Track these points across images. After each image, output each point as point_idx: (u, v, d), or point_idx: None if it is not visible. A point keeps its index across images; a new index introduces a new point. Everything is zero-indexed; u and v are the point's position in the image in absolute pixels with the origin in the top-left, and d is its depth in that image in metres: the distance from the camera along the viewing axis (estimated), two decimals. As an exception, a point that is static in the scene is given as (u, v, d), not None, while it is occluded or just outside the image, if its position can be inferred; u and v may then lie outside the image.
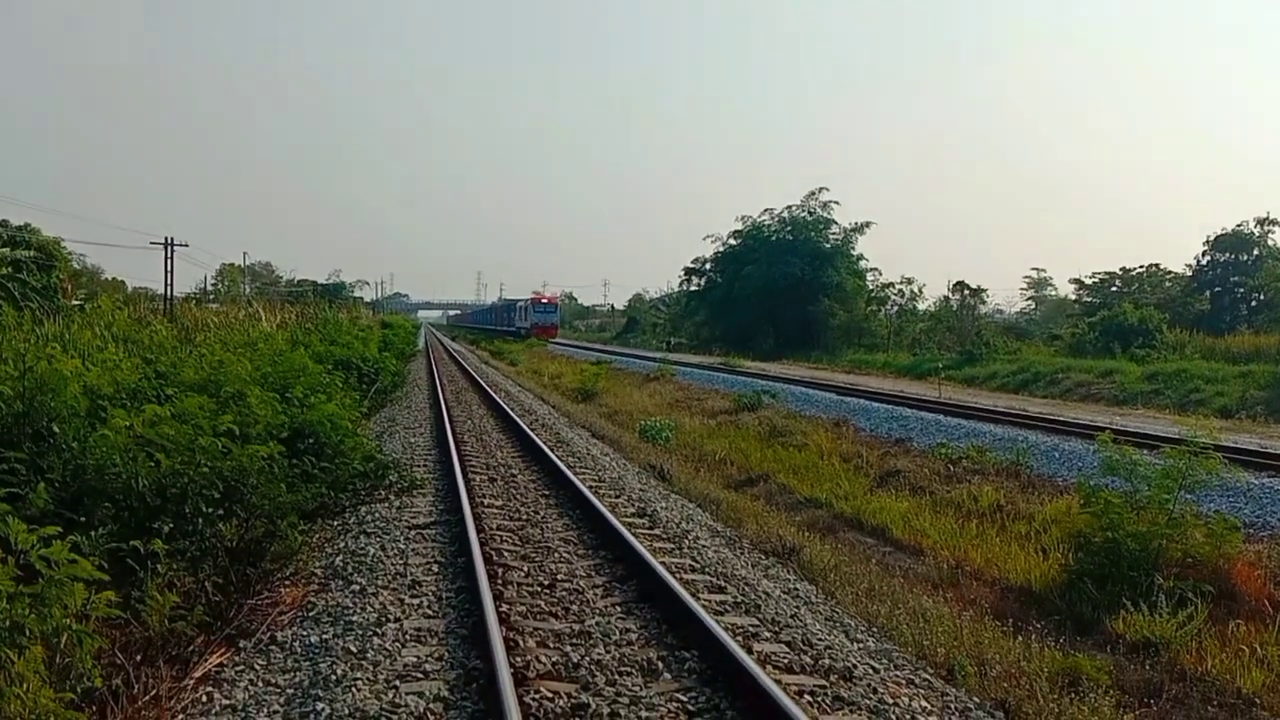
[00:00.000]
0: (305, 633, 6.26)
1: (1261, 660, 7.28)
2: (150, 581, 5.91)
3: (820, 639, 6.42)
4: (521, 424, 17.30)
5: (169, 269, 45.21)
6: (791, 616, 6.93)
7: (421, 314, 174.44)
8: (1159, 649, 7.48)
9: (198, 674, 5.62)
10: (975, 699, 5.85)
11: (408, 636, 6.13)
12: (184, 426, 7.24)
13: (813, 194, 62.17)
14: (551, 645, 6.03)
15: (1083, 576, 8.90)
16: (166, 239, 46.09)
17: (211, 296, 56.83)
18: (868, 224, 62.02)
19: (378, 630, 6.20)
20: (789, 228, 62.66)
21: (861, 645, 6.59)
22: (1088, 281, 66.47)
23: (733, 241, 66.15)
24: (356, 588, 7.18)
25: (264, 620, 6.59)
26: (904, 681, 5.89)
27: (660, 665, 5.71)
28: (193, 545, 6.63)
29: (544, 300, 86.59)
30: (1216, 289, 55.85)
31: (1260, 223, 55.09)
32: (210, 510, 6.76)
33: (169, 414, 7.40)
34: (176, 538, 6.44)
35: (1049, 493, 13.17)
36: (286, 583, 7.48)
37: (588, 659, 5.75)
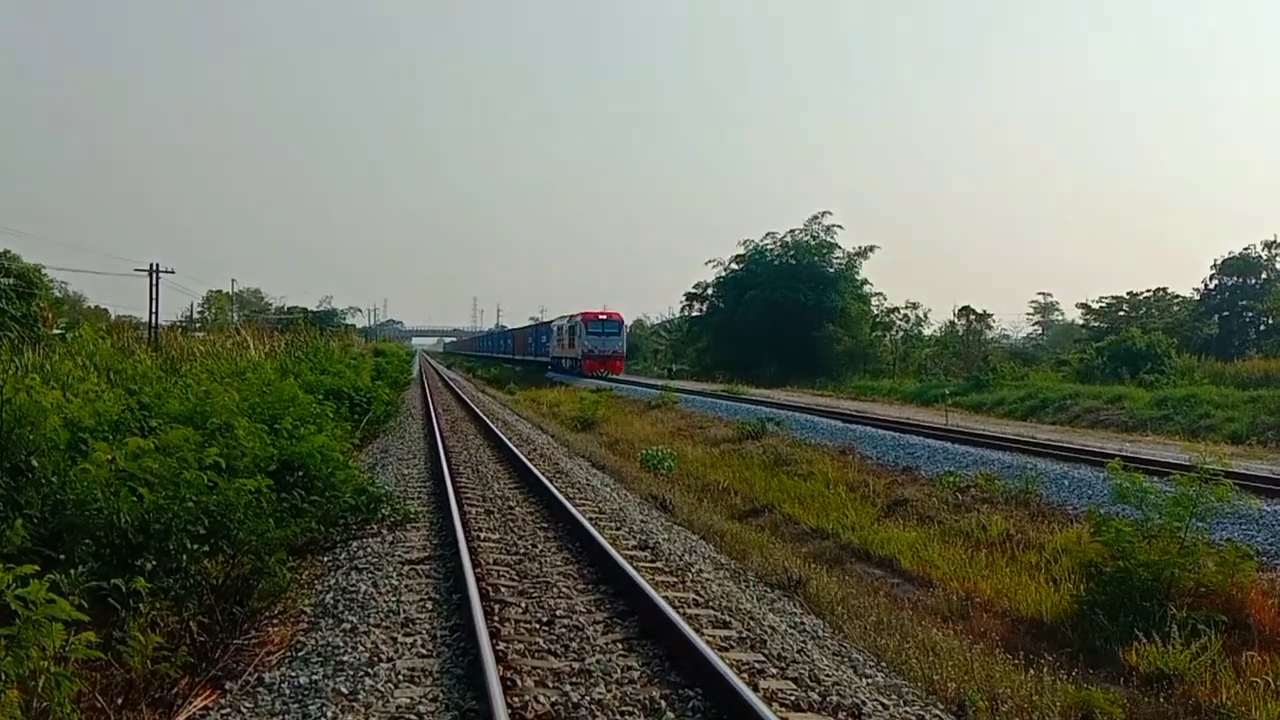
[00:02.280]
0: (294, 674, 6.07)
1: (1277, 692, 7.14)
2: (132, 621, 5.75)
3: (828, 675, 6.24)
4: (519, 454, 17.13)
5: (154, 296, 44.65)
6: (798, 652, 6.75)
7: (416, 341, 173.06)
8: (1173, 681, 7.37)
9: (181, 718, 5.49)
10: (988, 738, 5.65)
11: (401, 677, 5.96)
12: (168, 460, 7.07)
13: (815, 218, 61.72)
14: (550, 685, 5.86)
15: (1094, 607, 8.75)
16: (151, 265, 45.62)
17: (198, 325, 56.62)
18: (871, 248, 61.68)
19: (370, 670, 6.02)
20: (792, 252, 62.13)
21: (870, 680, 6.44)
22: (1095, 306, 66.72)
23: (735, 266, 65.47)
24: (347, 626, 6.98)
25: (251, 661, 6.41)
26: (914, 718, 5.74)
27: (663, 704, 5.54)
28: (177, 583, 6.45)
29: (601, 316, 58.61)
30: (1225, 313, 55.90)
31: (1268, 246, 55.25)
32: (195, 547, 6.57)
33: (153, 447, 7.23)
34: (160, 575, 6.27)
35: (1059, 521, 12.97)
36: (275, 621, 7.31)
37: (588, 699, 5.58)
